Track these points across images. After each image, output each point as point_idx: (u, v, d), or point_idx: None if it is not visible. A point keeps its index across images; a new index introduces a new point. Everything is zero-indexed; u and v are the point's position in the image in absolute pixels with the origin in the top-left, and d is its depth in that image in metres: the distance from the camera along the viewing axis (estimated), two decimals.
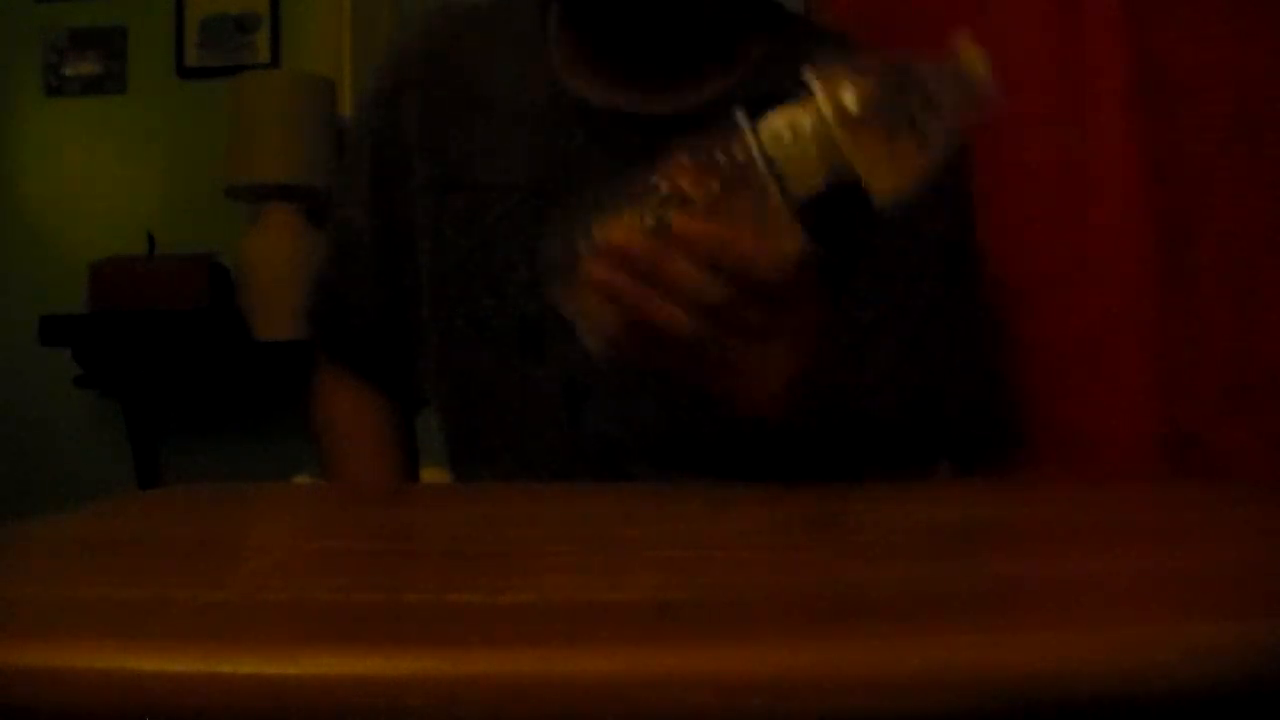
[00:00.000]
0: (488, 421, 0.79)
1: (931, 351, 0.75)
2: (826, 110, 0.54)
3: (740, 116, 0.55)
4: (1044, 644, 0.27)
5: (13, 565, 0.42)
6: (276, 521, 0.60)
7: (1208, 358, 0.90)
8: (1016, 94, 0.97)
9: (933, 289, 0.75)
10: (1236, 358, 0.89)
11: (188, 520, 0.57)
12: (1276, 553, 0.42)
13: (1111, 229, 0.92)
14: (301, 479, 1.29)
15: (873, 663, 0.27)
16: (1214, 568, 0.39)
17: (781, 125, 0.55)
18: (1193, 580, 0.36)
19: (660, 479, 0.74)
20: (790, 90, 0.55)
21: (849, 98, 0.54)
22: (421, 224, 0.80)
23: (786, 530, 0.50)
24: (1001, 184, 0.94)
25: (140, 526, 0.54)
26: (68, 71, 2.34)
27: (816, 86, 0.54)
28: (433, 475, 0.98)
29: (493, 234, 0.77)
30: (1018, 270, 0.94)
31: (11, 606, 0.33)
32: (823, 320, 0.59)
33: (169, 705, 0.26)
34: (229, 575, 0.39)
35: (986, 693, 0.26)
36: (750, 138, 0.55)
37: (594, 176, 0.75)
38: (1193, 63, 0.90)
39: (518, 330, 0.77)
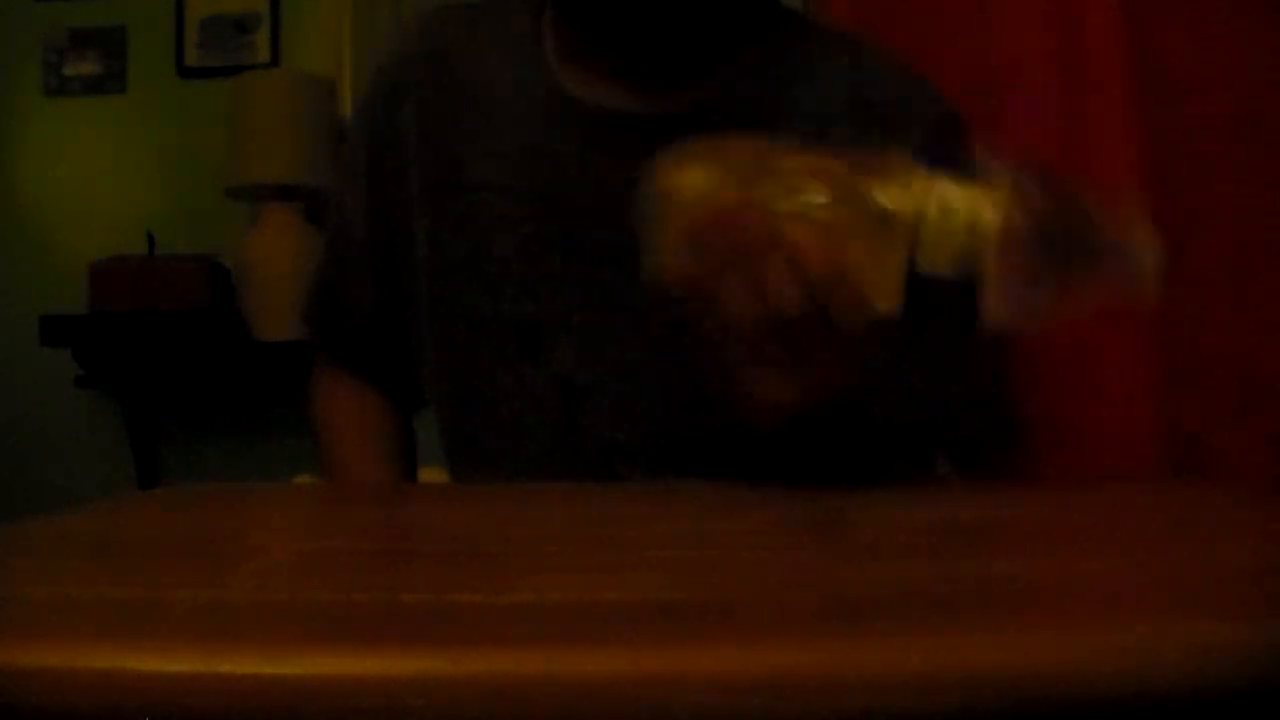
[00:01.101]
0: (485, 423, 0.79)
1: (931, 351, 0.75)
2: (996, 213, 0.51)
3: (913, 164, 0.53)
4: (1044, 644, 0.27)
5: (13, 565, 0.42)
6: (276, 521, 0.60)
7: (1208, 358, 0.90)
8: (1017, 94, 0.97)
9: (932, 288, 0.75)
10: (1236, 358, 0.89)
11: (188, 520, 0.57)
12: (1276, 553, 0.42)
13: None
14: (301, 479, 1.29)
15: (873, 663, 0.27)
16: (1214, 568, 0.39)
17: (945, 197, 0.52)
18: (1193, 580, 0.36)
19: (657, 480, 0.74)
20: (971, 162, 0.53)
21: (1022, 218, 0.51)
22: (419, 225, 0.80)
23: (786, 530, 0.50)
24: None
25: (140, 526, 0.54)
26: (68, 71, 2.34)
27: (999, 183, 0.52)
28: (432, 475, 0.98)
29: (490, 235, 0.77)
30: None
31: (11, 606, 0.33)
32: (855, 369, 0.58)
33: (169, 705, 0.26)
34: (229, 575, 0.39)
35: (986, 693, 0.26)
36: (917, 191, 0.52)
37: (591, 177, 0.75)
38: (1193, 63, 0.90)
39: (515, 332, 0.77)
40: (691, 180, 0.55)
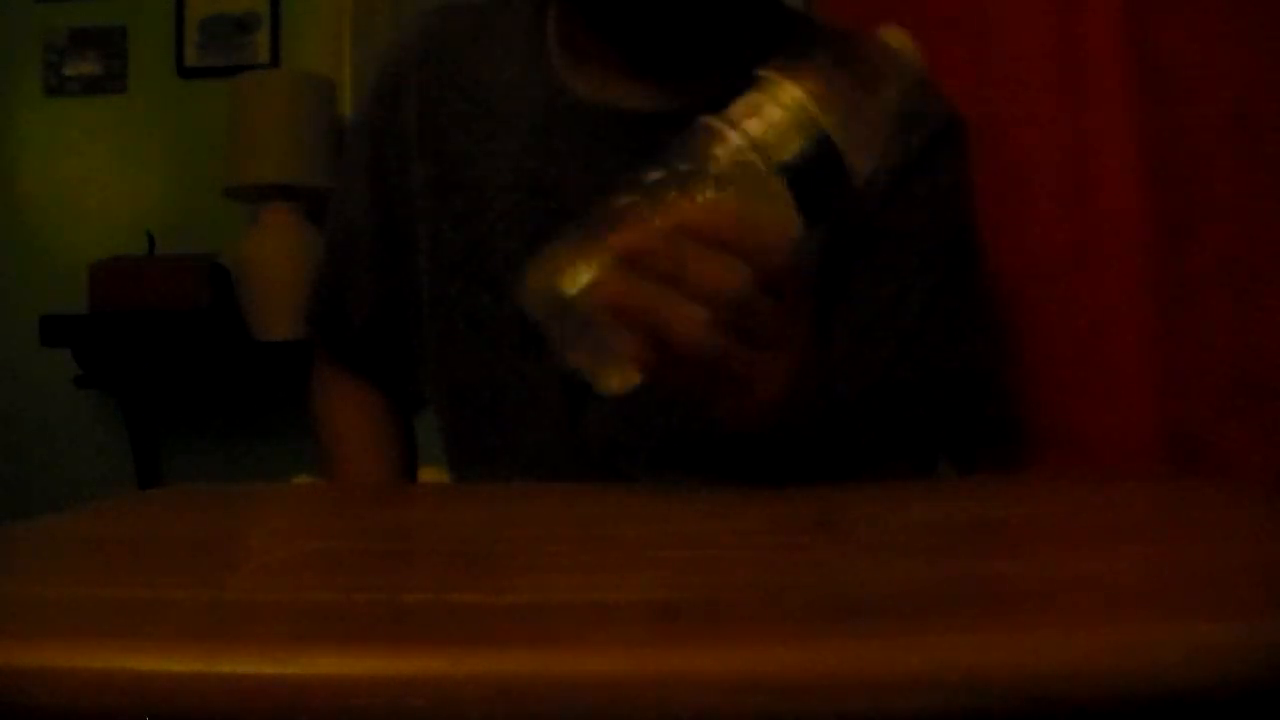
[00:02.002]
0: (486, 422, 0.79)
1: (930, 350, 0.75)
2: (790, 86, 0.55)
3: (705, 118, 0.56)
4: (1044, 644, 0.27)
5: (13, 565, 0.42)
6: (276, 521, 0.60)
7: (1208, 357, 0.90)
8: (1016, 94, 0.97)
9: (931, 287, 0.75)
10: (1236, 357, 0.89)
11: (188, 520, 0.57)
12: (1276, 552, 0.42)
13: (1111, 228, 0.92)
14: (301, 479, 1.29)
15: (873, 663, 0.27)
16: (1214, 568, 0.39)
17: (748, 109, 0.56)
18: (1193, 580, 0.36)
19: (659, 479, 0.74)
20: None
21: (810, 78, 0.55)
22: (420, 223, 0.80)
23: (786, 530, 0.50)
24: (1002, 183, 0.94)
25: (140, 526, 0.54)
26: (68, 71, 2.34)
27: (774, 74, 0.56)
28: (432, 475, 0.98)
29: (491, 233, 0.77)
30: (1017, 269, 0.94)
31: (11, 606, 0.33)
32: (813, 328, 0.59)
33: (169, 705, 0.26)
34: (229, 575, 0.39)
35: (986, 693, 0.26)
36: (728, 129, 0.55)
37: (593, 175, 0.75)
38: (1193, 62, 0.90)
39: (517, 330, 0.76)
40: (576, 274, 0.56)
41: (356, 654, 0.27)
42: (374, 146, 0.83)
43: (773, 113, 0.55)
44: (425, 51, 0.81)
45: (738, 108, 0.56)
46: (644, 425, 0.75)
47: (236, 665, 0.26)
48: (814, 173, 0.55)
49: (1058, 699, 0.26)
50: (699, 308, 0.51)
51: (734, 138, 0.55)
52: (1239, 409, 0.89)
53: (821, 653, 0.27)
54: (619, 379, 0.58)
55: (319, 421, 0.91)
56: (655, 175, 0.56)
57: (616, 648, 0.28)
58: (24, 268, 2.32)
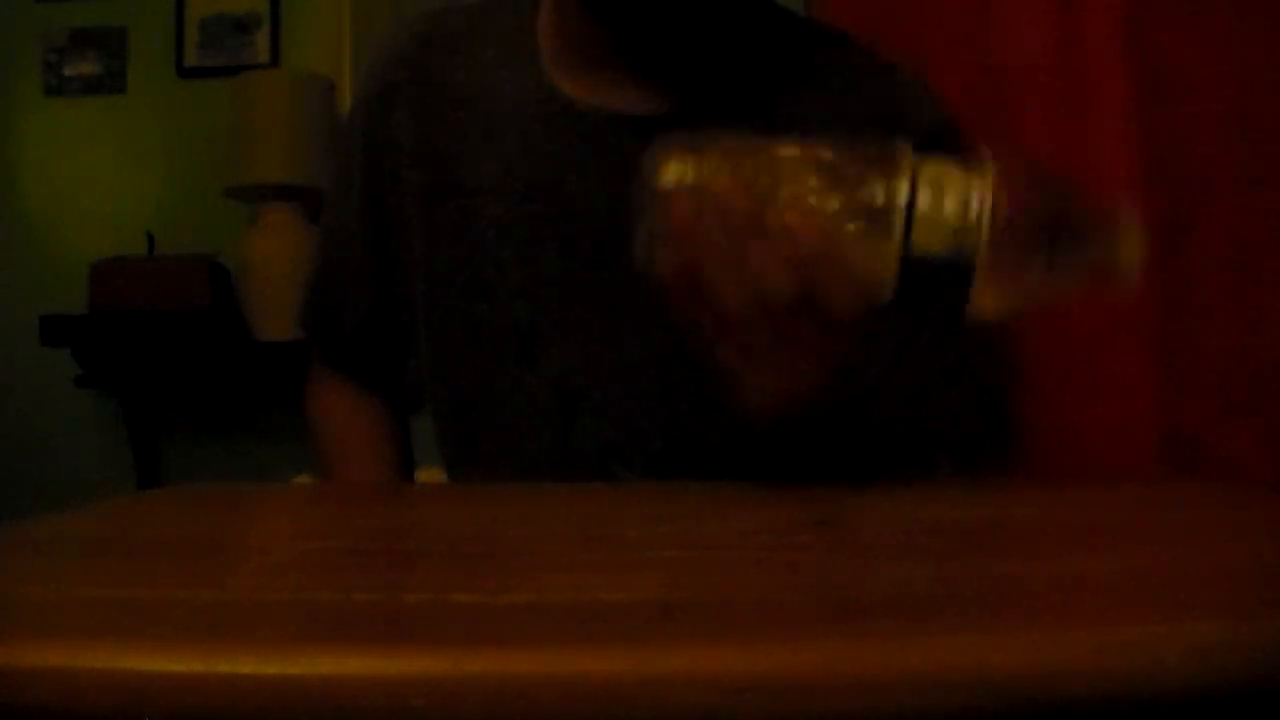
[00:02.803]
0: (482, 426, 0.79)
1: (930, 351, 0.75)
2: (988, 196, 0.51)
3: (905, 148, 0.53)
4: (1044, 644, 0.27)
5: (13, 565, 0.42)
6: (276, 521, 0.60)
7: (1208, 357, 0.90)
8: (1017, 94, 0.97)
9: (927, 314, 0.75)
10: (1236, 357, 0.89)
11: (188, 520, 0.57)
12: (1276, 552, 0.42)
13: None
14: (301, 479, 1.29)
15: (873, 663, 0.27)
16: (1214, 568, 0.39)
17: (938, 180, 0.52)
18: (1193, 580, 0.36)
19: (655, 482, 0.74)
20: (959, 147, 0.54)
21: (1012, 203, 0.51)
22: (414, 229, 0.80)
23: (786, 530, 0.50)
24: None
25: (140, 526, 0.54)
26: (68, 71, 2.34)
27: (990, 166, 0.52)
28: (430, 476, 0.98)
29: (485, 238, 0.77)
30: None
31: (11, 606, 0.33)
32: (847, 355, 0.58)
33: (169, 705, 0.26)
34: (229, 575, 0.39)
35: (986, 693, 0.26)
36: (907, 178, 0.52)
37: (587, 180, 0.75)
38: (1193, 62, 0.90)
39: (511, 335, 0.76)
40: (680, 171, 0.54)
41: (356, 654, 0.27)
42: (365, 152, 0.83)
43: (949, 200, 0.51)
44: (416, 56, 0.81)
45: (933, 167, 0.53)
46: (638, 432, 0.75)
47: (236, 665, 0.26)
48: (933, 275, 0.52)
49: (1058, 699, 0.26)
50: (734, 277, 0.51)
51: (901, 192, 0.52)
52: (1239, 409, 0.89)
53: (821, 653, 0.27)
54: (647, 266, 0.55)
55: (315, 424, 0.91)
56: (827, 154, 0.53)
57: (616, 648, 0.28)
58: (24, 268, 2.32)
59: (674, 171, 0.55)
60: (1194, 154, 0.90)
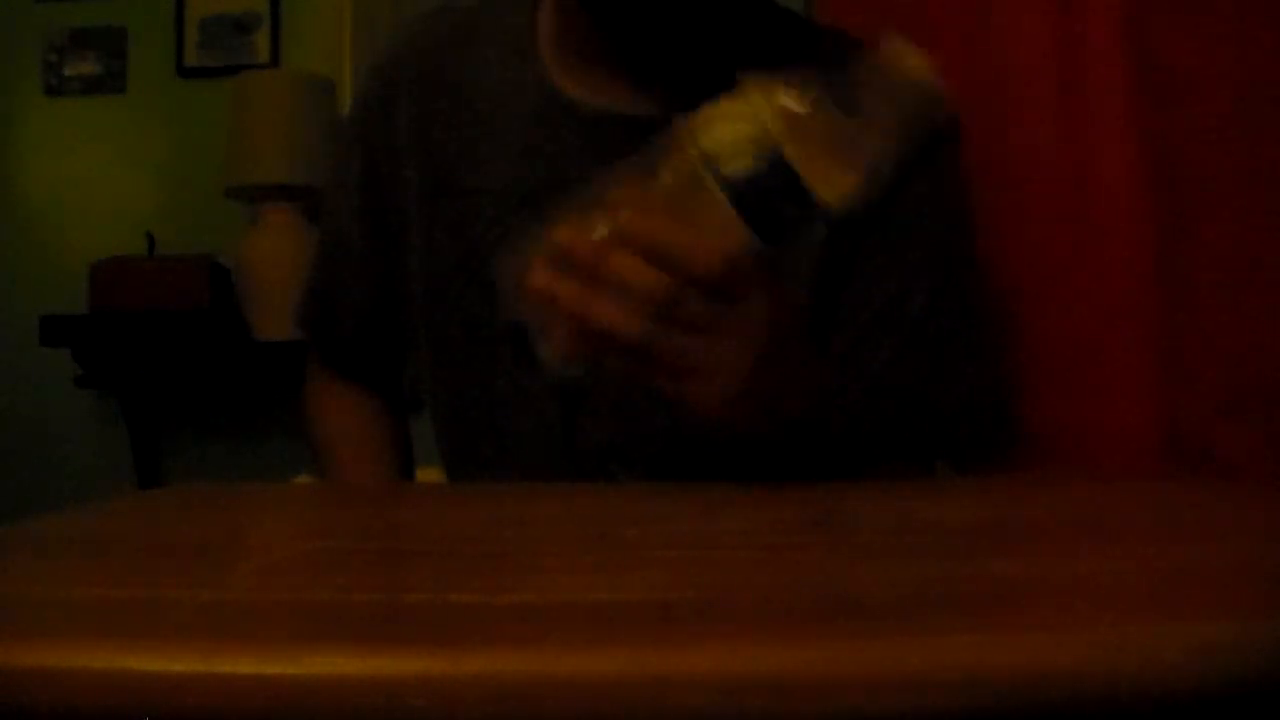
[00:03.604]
0: (481, 427, 0.79)
1: (930, 351, 0.75)
2: (759, 99, 0.54)
3: (675, 122, 0.56)
4: (1044, 644, 0.27)
5: (13, 565, 0.42)
6: (276, 521, 0.60)
7: (1208, 357, 0.90)
8: (1017, 94, 0.97)
9: (932, 287, 0.75)
10: (1237, 357, 0.89)
11: (188, 520, 0.57)
12: (1276, 553, 0.42)
13: (1111, 228, 0.92)
14: (301, 479, 1.29)
15: (873, 663, 0.27)
16: (1214, 568, 0.39)
17: (714, 116, 0.55)
18: (1193, 580, 0.36)
19: (655, 482, 0.74)
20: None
21: (783, 94, 0.54)
22: (414, 229, 0.80)
23: (786, 530, 0.50)
24: (1001, 184, 0.94)
25: (140, 526, 0.54)
26: (68, 71, 2.34)
27: (751, 84, 0.55)
28: (430, 476, 0.98)
29: (485, 239, 0.77)
30: (1017, 270, 0.94)
31: (11, 606, 0.33)
32: (778, 317, 0.59)
33: (169, 705, 0.26)
34: (229, 575, 0.39)
35: (986, 693, 0.26)
36: (687, 136, 0.55)
37: (586, 179, 0.75)
38: (1193, 62, 0.90)
39: (511, 336, 0.76)
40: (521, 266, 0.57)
41: (356, 654, 0.27)
42: (364, 152, 0.83)
43: (733, 124, 0.54)
44: (416, 56, 0.81)
45: (704, 112, 0.56)
46: (638, 432, 0.75)
47: (236, 665, 0.26)
48: (763, 192, 0.54)
49: (1058, 699, 0.26)
50: (612, 301, 0.54)
51: (688, 145, 0.55)
52: (1239, 409, 0.89)
53: (821, 653, 0.27)
54: (561, 359, 0.59)
55: (314, 425, 0.91)
56: (627, 174, 0.57)
57: (616, 648, 0.28)
58: (24, 268, 2.32)
59: (518, 268, 0.58)
60: (1194, 154, 0.90)
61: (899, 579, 0.37)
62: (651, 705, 0.26)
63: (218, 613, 0.32)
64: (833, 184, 0.54)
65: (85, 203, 2.33)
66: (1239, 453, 0.88)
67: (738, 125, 0.54)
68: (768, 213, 0.55)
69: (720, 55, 0.77)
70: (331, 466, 0.89)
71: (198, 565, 0.43)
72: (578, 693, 0.26)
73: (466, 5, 0.84)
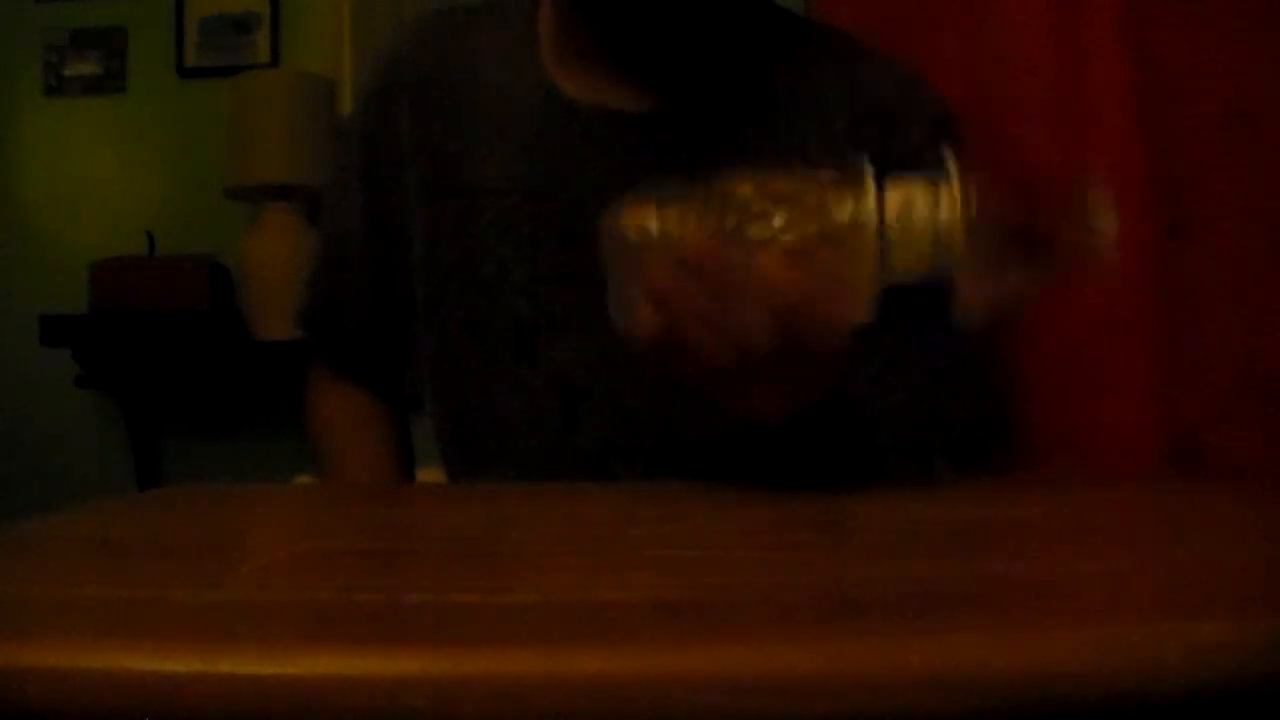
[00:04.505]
0: (482, 425, 0.79)
1: (929, 351, 0.75)
2: (957, 207, 0.51)
3: (868, 170, 0.52)
4: (1044, 644, 0.27)
5: (13, 565, 0.42)
6: (276, 521, 0.60)
7: (1208, 357, 0.90)
8: (1016, 94, 0.97)
9: (930, 288, 0.75)
10: (1237, 357, 0.89)
11: (188, 520, 0.57)
12: (1276, 553, 0.42)
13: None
14: (301, 479, 1.29)
15: (873, 663, 0.27)
16: (1214, 568, 0.39)
17: (906, 200, 0.52)
18: (1193, 580, 0.36)
19: (655, 481, 0.74)
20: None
21: (985, 199, 0.51)
22: (415, 227, 0.80)
23: (786, 530, 0.50)
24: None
25: (140, 526, 0.54)
26: (68, 71, 2.34)
27: (954, 176, 0.51)
28: (431, 476, 0.98)
29: (487, 237, 0.77)
30: None
31: (11, 606, 0.33)
32: (841, 369, 0.58)
33: (169, 705, 0.26)
34: (229, 575, 0.39)
35: (986, 693, 0.26)
36: (873, 201, 0.51)
37: (588, 177, 0.75)
38: (1193, 63, 0.90)
39: (512, 334, 0.76)
40: (642, 222, 0.54)
41: (356, 654, 0.27)
42: (366, 151, 0.83)
43: (922, 218, 0.51)
44: (418, 57, 0.81)
45: (902, 183, 0.52)
46: (639, 430, 0.75)
47: (236, 665, 0.26)
48: (918, 292, 0.52)
49: (1058, 699, 0.26)
50: (716, 337, 0.51)
51: (871, 210, 0.51)
52: (1239, 409, 0.89)
53: (821, 653, 0.27)
54: (628, 327, 0.55)
55: (315, 424, 0.91)
56: (783, 184, 0.53)
57: (616, 648, 0.28)
58: (24, 268, 2.32)
59: (636, 223, 0.54)
60: (1194, 154, 0.90)
61: (899, 579, 0.37)
62: (651, 705, 0.26)
63: (218, 613, 0.32)
64: (976, 303, 0.52)
65: (85, 203, 2.33)
66: (1239, 453, 0.88)
67: (923, 216, 0.51)
68: (900, 304, 0.52)
69: (718, 54, 0.77)
70: (332, 466, 0.89)
71: (198, 565, 0.43)
72: (578, 693, 0.26)
73: (467, 6, 0.84)
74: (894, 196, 0.52)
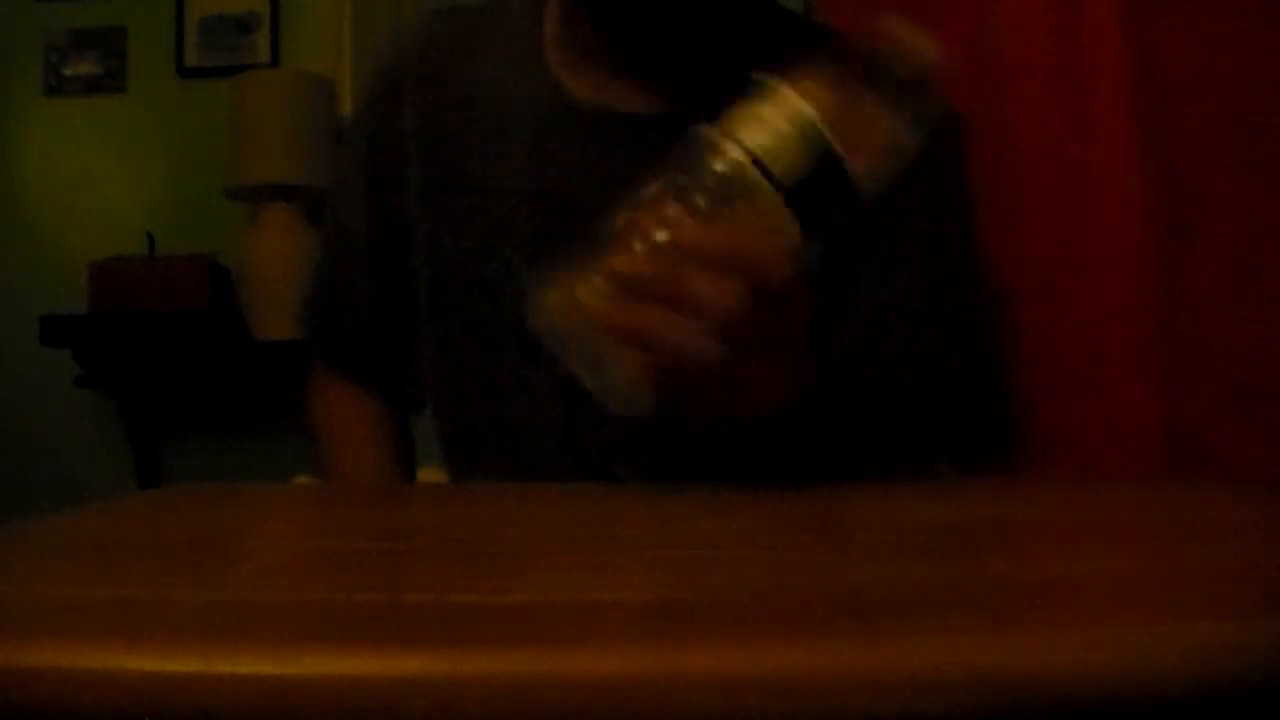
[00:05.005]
0: (484, 425, 0.79)
1: (929, 350, 0.75)
2: (793, 96, 0.54)
3: (703, 129, 0.55)
4: (1044, 644, 0.27)
5: (13, 565, 0.42)
6: (276, 521, 0.60)
7: (1208, 357, 0.90)
8: (1017, 94, 0.97)
9: (932, 288, 0.75)
10: (1237, 357, 0.89)
11: (188, 520, 0.57)
12: (1276, 553, 0.42)
13: (1111, 228, 0.92)
14: (301, 479, 1.29)
15: (873, 663, 0.27)
16: (1214, 568, 0.39)
17: (748, 118, 0.54)
18: (1193, 580, 0.36)
19: (656, 482, 0.74)
20: (738, 93, 0.55)
21: (808, 80, 0.54)
22: (418, 227, 0.80)
23: (786, 530, 0.50)
24: (1002, 183, 0.94)
25: (140, 526, 0.54)
26: (68, 71, 2.34)
27: (776, 81, 0.54)
28: (430, 476, 0.98)
29: (490, 237, 0.77)
30: (1018, 270, 0.94)
31: (11, 606, 0.33)
32: (812, 316, 0.58)
33: (169, 705, 0.26)
34: (229, 575, 0.39)
35: (986, 693, 0.26)
36: (727, 141, 0.54)
37: (592, 178, 0.75)
38: (1193, 63, 0.90)
39: (515, 334, 0.76)
40: (574, 299, 0.55)
41: (356, 654, 0.27)
42: (370, 151, 0.83)
43: (774, 125, 0.53)
44: (422, 56, 0.81)
45: (736, 116, 0.55)
46: (642, 430, 0.75)
47: (236, 665, 0.26)
48: (815, 187, 0.54)
49: (1058, 699, 0.26)
50: (695, 323, 0.51)
51: (733, 150, 0.53)
52: (1239, 409, 0.89)
53: (821, 653, 0.27)
54: (626, 399, 0.56)
55: (317, 424, 0.91)
56: (653, 189, 0.55)
57: (616, 648, 0.28)
58: (24, 268, 2.32)
59: (560, 301, 0.55)
60: (1194, 154, 0.90)
61: (899, 579, 0.37)
62: (651, 705, 0.26)
63: (218, 613, 0.32)
64: (870, 173, 0.54)
65: (85, 203, 2.33)
66: (1239, 453, 0.88)
67: (778, 124, 0.53)
68: (817, 209, 0.54)
69: (720, 54, 0.77)
70: (333, 465, 0.89)
71: (198, 565, 0.43)
72: (578, 693, 0.26)
73: (470, 6, 0.84)
74: (742, 125, 0.54)
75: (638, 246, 0.53)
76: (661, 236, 0.53)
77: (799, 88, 0.54)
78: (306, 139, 2.03)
